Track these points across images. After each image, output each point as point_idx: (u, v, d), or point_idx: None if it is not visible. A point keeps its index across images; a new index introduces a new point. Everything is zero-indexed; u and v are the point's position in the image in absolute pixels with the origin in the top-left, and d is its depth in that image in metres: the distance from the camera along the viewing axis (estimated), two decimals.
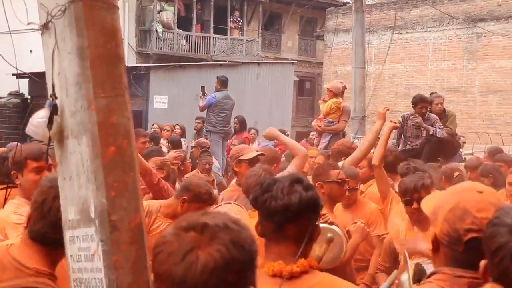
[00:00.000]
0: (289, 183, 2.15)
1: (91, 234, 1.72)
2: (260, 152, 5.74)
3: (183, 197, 4.10)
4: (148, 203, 4.25)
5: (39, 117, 1.83)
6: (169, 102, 17.77)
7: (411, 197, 4.10)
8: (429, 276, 1.89)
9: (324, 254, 2.79)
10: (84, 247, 1.75)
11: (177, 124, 12.30)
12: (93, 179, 1.70)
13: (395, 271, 2.46)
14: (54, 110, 1.79)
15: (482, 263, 1.57)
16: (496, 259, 1.49)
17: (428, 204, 2.07)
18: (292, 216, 2.11)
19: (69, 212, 1.81)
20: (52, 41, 1.80)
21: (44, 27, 1.83)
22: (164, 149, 9.10)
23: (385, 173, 5.25)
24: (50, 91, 1.82)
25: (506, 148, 14.82)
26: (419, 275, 2.45)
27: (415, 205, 4.06)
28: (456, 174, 6.47)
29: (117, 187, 1.71)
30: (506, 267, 1.47)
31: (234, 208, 4.52)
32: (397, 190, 4.58)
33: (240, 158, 5.43)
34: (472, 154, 13.22)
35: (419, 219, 4.10)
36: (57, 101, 1.80)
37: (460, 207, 1.79)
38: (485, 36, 22.92)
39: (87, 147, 1.72)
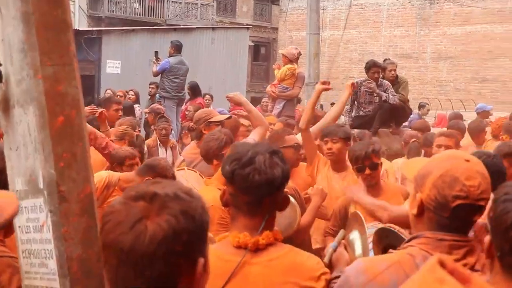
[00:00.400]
0: (269, 155, 2.12)
1: (39, 205, 1.69)
2: (228, 115, 5.70)
3: (147, 177, 3.95)
4: (108, 175, 4.17)
5: None
6: (122, 67, 17.46)
7: (363, 163, 4.15)
8: (409, 240, 1.92)
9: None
10: (32, 218, 1.72)
11: (131, 90, 12.12)
12: (41, 150, 1.67)
13: (342, 231, 2.45)
14: None
15: (487, 239, 1.59)
16: (511, 233, 1.51)
17: (409, 169, 2.09)
18: (273, 190, 2.10)
19: (16, 183, 1.78)
20: None
21: None
22: None
23: (312, 136, 5.15)
24: None
25: (444, 113, 15.23)
26: (387, 239, 2.46)
27: (367, 171, 4.12)
28: (413, 140, 6.61)
29: (66, 157, 1.68)
30: None
31: (188, 175, 4.49)
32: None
33: (210, 120, 5.37)
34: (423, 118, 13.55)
35: (371, 185, 4.17)
36: (1, 69, 1.75)
37: (449, 174, 1.83)
38: (437, 3, 23.20)
39: (34, 117, 1.68)
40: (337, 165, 4.81)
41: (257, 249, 2.08)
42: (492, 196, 1.73)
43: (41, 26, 1.68)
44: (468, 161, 1.88)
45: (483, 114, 11.79)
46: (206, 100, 12.79)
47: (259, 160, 2.08)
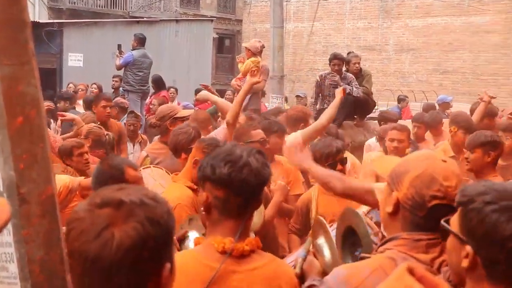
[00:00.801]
0: (259, 156, 2.10)
1: None
2: (190, 112, 5.70)
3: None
4: (70, 179, 4.09)
5: None
6: (84, 60, 17.20)
7: (334, 159, 4.17)
8: (385, 242, 1.90)
9: None
10: None
11: (94, 83, 11.96)
12: (0, 151, 1.64)
13: (309, 239, 2.44)
14: None
15: (470, 249, 1.50)
16: (509, 244, 1.43)
17: (383, 167, 2.08)
18: (262, 190, 2.11)
19: None
20: None
21: None
22: (81, 109, 8.85)
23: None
24: None
25: (418, 104, 15.41)
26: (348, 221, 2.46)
27: (339, 166, 4.15)
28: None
29: (25, 158, 1.65)
30: None
31: (155, 173, 4.44)
32: None
33: (176, 116, 5.34)
34: (387, 110, 13.70)
35: None
36: None
37: (427, 174, 1.83)
38: None
39: None
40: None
41: (241, 256, 2.06)
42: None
43: None
44: (445, 161, 1.90)
45: (444, 105, 11.95)
46: (170, 93, 12.70)
47: (253, 162, 2.06)
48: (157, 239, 1.38)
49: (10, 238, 1.64)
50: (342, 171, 4.13)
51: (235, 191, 2.05)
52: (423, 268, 1.25)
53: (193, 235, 2.95)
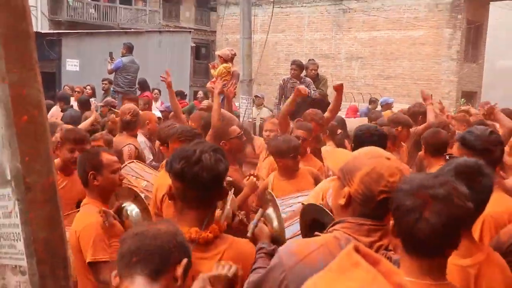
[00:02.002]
0: (213, 153, 2.06)
1: (7, 194, 1.65)
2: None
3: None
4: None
5: None
6: (80, 65, 16.98)
7: (296, 152, 4.19)
8: (333, 225, 1.88)
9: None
10: (2, 206, 1.68)
11: (88, 85, 11.78)
12: (8, 146, 1.63)
13: (260, 209, 2.44)
14: None
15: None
16: (395, 215, 1.61)
17: (334, 161, 2.04)
18: (218, 184, 2.07)
19: None
20: None
21: None
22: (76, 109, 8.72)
23: None
24: None
25: (365, 105, 15.53)
26: (312, 214, 2.47)
27: (298, 158, 4.23)
28: (339, 131, 6.56)
29: (30, 152, 1.65)
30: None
31: (138, 167, 4.34)
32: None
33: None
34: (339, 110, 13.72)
35: (295, 170, 4.26)
36: None
37: (375, 171, 1.80)
38: (349, 12, 23.58)
39: (1, 117, 1.63)
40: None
41: (206, 243, 2.03)
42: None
43: (7, 38, 1.64)
44: (389, 159, 1.87)
45: (386, 106, 12.02)
46: (155, 94, 12.59)
47: (206, 158, 2.02)
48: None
49: (17, 220, 1.63)
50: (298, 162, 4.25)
51: (189, 185, 2.02)
52: (366, 248, 1.29)
53: (131, 207, 2.91)
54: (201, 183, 2.00)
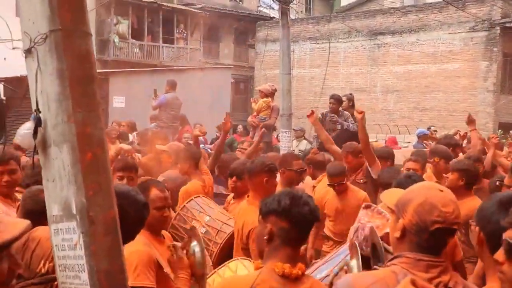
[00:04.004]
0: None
1: (73, 227, 1.71)
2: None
3: None
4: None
5: (25, 128, 1.80)
6: (126, 102, 17.42)
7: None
8: (392, 259, 1.88)
9: None
10: (67, 238, 1.73)
11: (125, 121, 11.91)
12: (74, 181, 1.69)
13: (344, 260, 2.43)
14: (38, 122, 1.76)
15: (476, 229, 1.76)
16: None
17: (389, 198, 2.07)
18: (312, 226, 2.21)
19: (53, 209, 1.78)
20: (35, 64, 1.77)
21: (28, 52, 1.79)
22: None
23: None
24: (34, 107, 1.78)
25: (401, 137, 15.37)
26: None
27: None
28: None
29: (93, 187, 1.70)
30: None
31: (203, 202, 4.34)
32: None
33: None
34: (376, 141, 13.63)
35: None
36: (41, 115, 1.77)
37: (428, 202, 1.80)
38: (384, 46, 23.57)
39: (67, 155, 1.70)
40: None
41: (296, 279, 2.12)
42: None
43: (73, 80, 1.72)
44: (442, 191, 1.88)
45: (423, 137, 11.89)
46: (196, 128, 12.76)
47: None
48: None
49: (82, 252, 1.68)
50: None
51: (293, 223, 2.16)
52: (423, 281, 1.27)
53: (196, 246, 2.85)
54: (305, 223, 2.16)
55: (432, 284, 1.74)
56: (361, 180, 5.52)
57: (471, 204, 3.64)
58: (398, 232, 1.86)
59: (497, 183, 3.46)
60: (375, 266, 1.97)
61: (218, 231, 3.86)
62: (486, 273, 2.11)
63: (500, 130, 19.49)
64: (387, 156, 5.86)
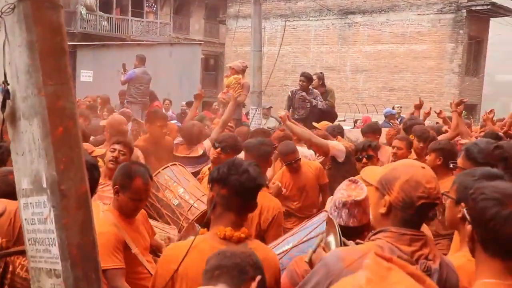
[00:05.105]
0: (254, 167, 2.23)
1: (43, 201, 1.69)
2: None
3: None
4: None
5: None
6: (94, 76, 17.10)
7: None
8: (376, 233, 1.94)
9: None
10: (37, 212, 1.72)
11: (98, 96, 11.76)
12: (44, 155, 1.67)
13: (320, 236, 2.43)
14: (6, 95, 1.72)
15: (469, 228, 1.69)
16: (490, 225, 1.61)
17: (371, 175, 2.10)
18: (253, 195, 2.22)
19: (22, 183, 1.76)
20: (2, 34, 1.73)
21: None
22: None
23: None
24: (1, 79, 1.74)
25: (369, 116, 15.55)
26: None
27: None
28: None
29: (65, 161, 1.69)
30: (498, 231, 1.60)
31: (179, 171, 4.29)
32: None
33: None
34: (344, 121, 13.76)
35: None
36: (9, 87, 1.73)
37: (413, 179, 1.88)
38: (354, 26, 23.67)
39: (38, 128, 1.67)
40: None
41: (238, 242, 2.16)
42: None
43: (44, 52, 1.68)
44: (423, 168, 1.96)
45: (390, 117, 12.03)
46: (166, 104, 12.66)
47: (252, 169, 2.20)
48: None
49: (52, 226, 1.67)
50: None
51: (235, 191, 2.19)
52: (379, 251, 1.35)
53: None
54: (246, 191, 2.17)
55: (414, 257, 1.83)
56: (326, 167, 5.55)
57: (450, 184, 3.74)
58: (383, 209, 1.92)
59: (451, 165, 3.55)
60: (358, 241, 2.03)
61: (191, 207, 3.84)
62: (460, 245, 2.23)
63: (464, 112, 19.92)
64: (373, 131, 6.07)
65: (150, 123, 5.75)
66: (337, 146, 5.25)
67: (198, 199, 3.89)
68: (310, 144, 5.41)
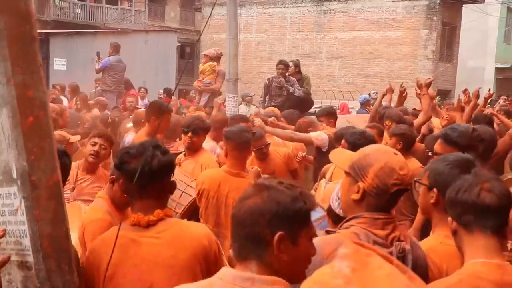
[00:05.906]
0: (152, 149, 2.12)
1: (13, 192, 1.66)
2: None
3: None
4: None
5: None
6: (67, 64, 16.81)
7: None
8: (349, 220, 1.92)
9: None
10: (7, 203, 1.69)
11: (67, 85, 11.53)
12: (14, 145, 1.63)
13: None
14: None
15: (450, 221, 1.85)
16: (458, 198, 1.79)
17: (341, 160, 2.09)
18: (152, 178, 2.10)
19: None
20: None
21: None
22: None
23: None
24: None
25: (346, 102, 15.61)
26: None
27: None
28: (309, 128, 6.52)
29: (36, 151, 1.66)
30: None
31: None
32: None
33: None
34: (320, 107, 13.76)
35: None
36: None
37: (387, 166, 1.87)
38: (330, 13, 23.67)
39: (7, 118, 1.64)
40: None
41: (148, 225, 2.09)
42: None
43: (12, 40, 1.64)
44: (396, 154, 1.96)
45: (366, 103, 12.11)
46: (141, 92, 12.52)
47: (145, 155, 2.10)
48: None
49: (23, 217, 1.64)
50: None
51: (127, 177, 2.13)
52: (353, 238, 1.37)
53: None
54: (136, 176, 2.04)
55: (388, 240, 1.85)
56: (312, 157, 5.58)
57: (411, 165, 3.79)
58: (357, 195, 1.91)
59: (429, 153, 3.58)
60: (329, 229, 2.00)
61: (182, 193, 3.81)
62: (433, 229, 2.25)
63: (438, 97, 20.16)
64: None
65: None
66: (319, 136, 5.30)
67: (188, 185, 3.88)
68: (293, 141, 5.48)
